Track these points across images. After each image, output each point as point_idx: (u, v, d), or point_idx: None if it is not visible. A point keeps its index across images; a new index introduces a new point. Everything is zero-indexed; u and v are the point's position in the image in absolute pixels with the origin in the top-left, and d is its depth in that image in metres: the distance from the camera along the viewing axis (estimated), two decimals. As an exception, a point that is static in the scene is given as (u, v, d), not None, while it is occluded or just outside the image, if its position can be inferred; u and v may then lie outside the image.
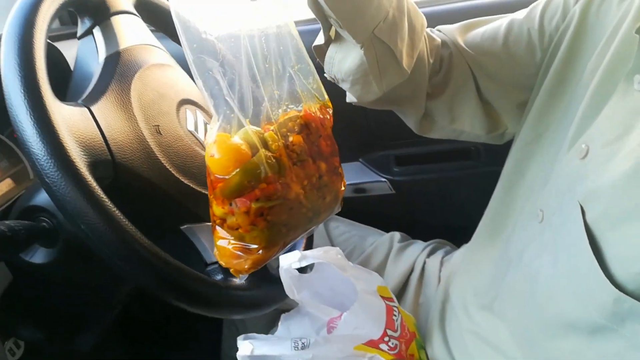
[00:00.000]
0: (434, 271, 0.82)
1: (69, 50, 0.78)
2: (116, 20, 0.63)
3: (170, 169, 0.57)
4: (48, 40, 0.76)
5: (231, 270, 0.47)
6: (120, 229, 0.46)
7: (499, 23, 0.65)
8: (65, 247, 0.59)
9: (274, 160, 0.44)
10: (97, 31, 0.62)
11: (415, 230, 0.95)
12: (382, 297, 0.59)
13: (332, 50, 0.62)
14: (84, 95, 0.56)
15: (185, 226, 0.58)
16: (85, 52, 0.64)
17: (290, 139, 0.47)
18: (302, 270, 0.61)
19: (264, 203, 0.43)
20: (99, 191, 0.46)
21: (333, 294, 0.62)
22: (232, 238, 0.46)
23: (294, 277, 0.57)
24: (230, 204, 0.44)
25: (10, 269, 0.62)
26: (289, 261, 0.56)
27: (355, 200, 1.08)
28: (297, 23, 0.58)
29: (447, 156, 1.02)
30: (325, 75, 0.65)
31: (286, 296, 0.60)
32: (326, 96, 0.54)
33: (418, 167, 1.05)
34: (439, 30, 0.71)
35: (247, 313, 0.58)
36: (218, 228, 0.47)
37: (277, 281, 0.63)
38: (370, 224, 0.97)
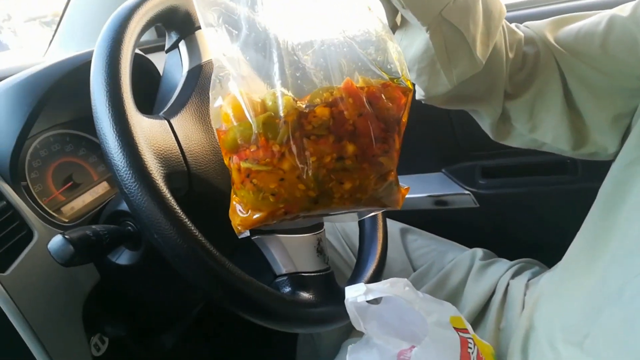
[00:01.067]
0: (518, 294, 0.76)
1: (163, 61, 0.83)
2: (200, 34, 0.66)
3: (244, 180, 0.58)
4: (141, 53, 0.82)
5: (232, 224, 0.46)
6: (190, 239, 0.47)
7: (597, 19, 0.58)
8: (147, 250, 0.62)
9: (274, 126, 0.41)
10: (182, 45, 0.65)
11: (500, 247, 0.89)
12: (455, 328, 0.56)
13: (397, 36, 0.58)
14: (166, 108, 0.58)
15: (256, 237, 0.58)
16: (172, 65, 0.66)
17: (316, 111, 0.42)
18: (370, 300, 0.59)
19: (251, 165, 0.42)
20: (172, 202, 0.48)
21: (403, 324, 0.59)
22: (233, 192, 0.46)
23: (361, 308, 0.55)
24: (230, 159, 0.44)
25: (98, 269, 0.66)
26: (353, 294, 0.54)
27: (436, 213, 1.04)
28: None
29: (539, 169, 0.95)
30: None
31: None
32: (402, 73, 0.46)
33: (506, 179, 0.99)
34: (527, 27, 0.64)
35: (313, 328, 0.58)
36: None
37: (344, 297, 0.62)
38: (451, 239, 0.93)
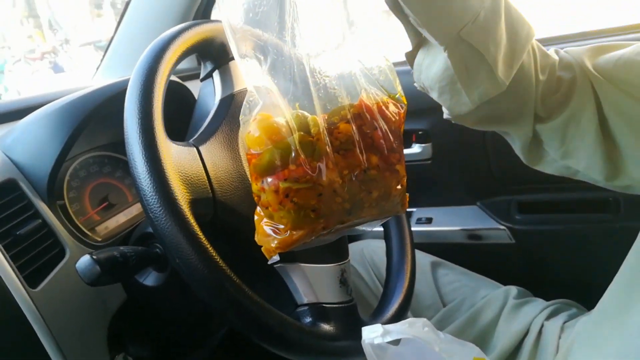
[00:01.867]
0: (552, 337, 0.72)
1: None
2: (234, 65, 0.67)
3: (269, 208, 0.58)
4: (178, 80, 0.85)
5: (262, 249, 0.47)
6: (210, 265, 0.48)
7: (638, 49, 0.56)
8: (174, 272, 0.63)
9: (309, 144, 0.44)
10: (216, 74, 0.67)
11: (535, 285, 0.86)
12: (479, 371, 0.53)
13: (420, 55, 0.59)
14: (196, 135, 0.59)
15: (279, 265, 0.58)
16: (205, 94, 0.68)
17: (340, 128, 0.46)
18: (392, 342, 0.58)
19: (291, 184, 0.43)
20: (195, 227, 0.48)
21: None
22: (265, 216, 0.46)
23: (379, 348, 0.54)
24: (262, 182, 0.45)
25: (125, 289, 0.68)
26: (370, 335, 0.52)
27: (469, 248, 1.01)
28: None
29: (580, 206, 0.91)
30: (414, 84, 0.62)
31: None
32: (398, 89, 0.51)
33: (544, 216, 0.95)
34: (566, 52, 0.62)
35: None
36: (257, 206, 0.48)
37: None
38: (484, 275, 0.90)
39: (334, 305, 0.59)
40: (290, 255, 0.60)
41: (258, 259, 0.60)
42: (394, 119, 0.49)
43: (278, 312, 0.50)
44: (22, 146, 0.68)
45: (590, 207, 0.91)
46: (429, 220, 1.08)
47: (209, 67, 0.67)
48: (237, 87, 0.66)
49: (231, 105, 0.64)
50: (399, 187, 0.49)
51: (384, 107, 0.48)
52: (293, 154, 0.43)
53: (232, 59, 0.67)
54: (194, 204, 0.51)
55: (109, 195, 0.79)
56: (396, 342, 0.55)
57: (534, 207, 0.96)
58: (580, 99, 0.58)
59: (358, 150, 0.46)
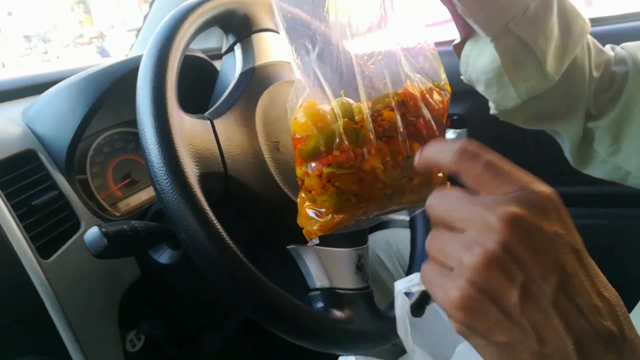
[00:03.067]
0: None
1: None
2: (257, 38, 0.65)
3: (283, 187, 0.56)
4: (205, 57, 0.83)
5: (304, 231, 0.47)
6: (216, 241, 0.46)
7: None
8: None
9: (353, 131, 0.45)
10: (237, 48, 0.65)
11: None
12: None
13: (468, 47, 0.58)
14: (212, 109, 0.57)
15: (292, 246, 0.56)
16: (227, 68, 0.66)
17: (384, 115, 0.47)
18: (417, 314, 0.55)
19: (335, 169, 0.44)
20: (202, 202, 0.47)
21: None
22: (307, 199, 0.47)
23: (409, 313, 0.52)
24: (307, 166, 0.45)
25: (139, 266, 0.67)
26: (406, 284, 0.51)
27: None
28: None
29: (625, 200, 0.85)
30: (461, 77, 0.61)
31: (394, 337, 0.55)
32: (443, 77, 0.51)
33: (586, 209, 0.89)
34: (622, 48, 0.60)
35: (345, 348, 0.54)
36: (301, 190, 0.48)
37: (383, 317, 0.58)
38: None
39: (348, 292, 0.57)
40: (303, 237, 0.58)
41: (269, 238, 0.59)
42: (437, 107, 0.49)
43: (284, 293, 0.48)
44: (44, 118, 0.68)
45: (637, 201, 0.84)
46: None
47: (231, 40, 0.65)
48: (259, 61, 0.63)
49: (251, 79, 0.61)
50: (440, 174, 0.49)
51: (427, 96, 0.49)
52: (337, 140, 0.44)
53: (255, 31, 0.65)
54: (203, 178, 0.49)
55: (132, 172, 0.79)
56: (420, 314, 0.54)
57: (575, 200, 0.89)
58: (632, 93, 0.56)
59: (401, 138, 0.46)
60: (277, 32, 0.68)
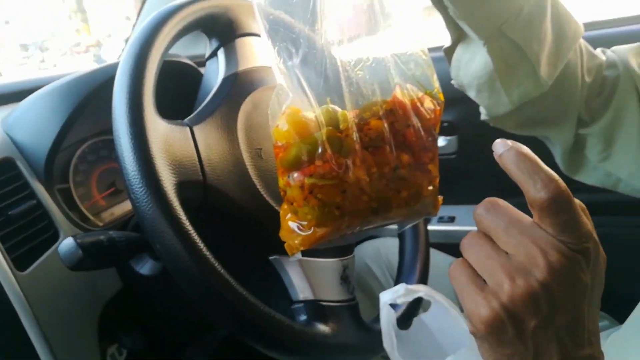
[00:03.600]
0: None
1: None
2: (241, 42, 0.64)
3: (265, 195, 0.55)
4: (191, 63, 0.82)
5: (285, 245, 0.45)
6: (193, 253, 0.45)
7: None
8: None
9: (337, 140, 0.43)
10: (220, 53, 0.63)
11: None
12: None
13: (459, 51, 0.57)
14: (192, 115, 0.56)
15: (274, 257, 0.54)
16: (210, 73, 0.65)
17: (371, 124, 0.45)
18: (403, 326, 0.53)
19: (317, 180, 0.42)
20: (179, 211, 0.45)
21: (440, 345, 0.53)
22: (289, 211, 0.45)
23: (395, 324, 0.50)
24: (289, 176, 0.44)
25: (121, 277, 0.65)
26: (391, 296, 0.49)
27: (494, 249, 0.94)
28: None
29: (616, 208, 0.83)
30: (452, 82, 0.60)
31: (379, 350, 0.53)
32: (436, 85, 0.49)
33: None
34: (613, 51, 0.59)
35: None
36: (284, 202, 0.47)
37: (368, 330, 0.56)
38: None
39: (332, 304, 0.55)
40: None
41: (251, 248, 0.57)
42: (428, 116, 0.47)
43: (265, 306, 0.47)
44: (23, 125, 0.67)
45: (629, 209, 0.83)
46: (451, 219, 1.01)
47: (214, 44, 0.64)
48: (242, 67, 0.62)
49: (234, 84, 0.60)
50: (430, 187, 0.47)
51: (418, 104, 0.47)
52: (320, 150, 0.42)
53: (239, 36, 0.63)
54: (180, 186, 0.48)
55: (116, 181, 0.77)
56: (406, 328, 0.52)
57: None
58: (623, 99, 0.56)
59: (388, 148, 0.44)
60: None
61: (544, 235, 0.31)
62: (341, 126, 0.43)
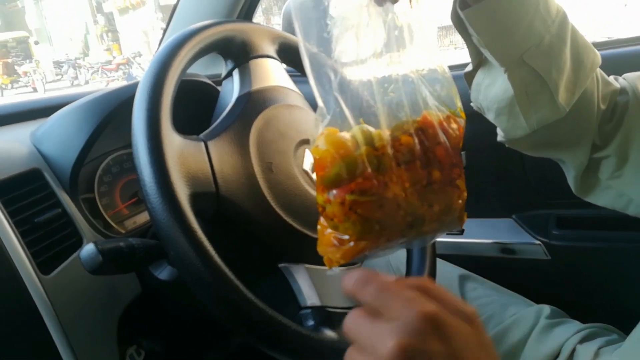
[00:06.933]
0: (585, 362, 0.67)
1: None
2: (254, 63, 0.67)
3: (275, 207, 0.58)
4: (209, 82, 0.86)
5: (325, 259, 0.47)
6: (206, 260, 0.47)
7: None
8: None
9: (375, 158, 0.45)
10: (235, 73, 0.67)
11: (571, 306, 0.80)
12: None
13: (480, 75, 0.59)
14: (207, 130, 0.60)
15: (283, 265, 0.57)
16: (226, 92, 0.69)
17: (402, 140, 0.47)
18: None
19: (357, 197, 0.44)
20: (192, 221, 0.48)
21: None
22: (329, 227, 0.47)
23: None
24: (328, 193, 0.45)
25: (140, 282, 0.68)
26: None
27: (501, 262, 0.95)
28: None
29: (622, 223, 0.84)
30: (471, 104, 0.62)
31: None
32: (458, 105, 0.51)
33: (583, 232, 0.89)
34: (624, 78, 0.61)
35: None
36: (321, 217, 0.48)
37: None
38: (515, 291, 0.85)
39: (339, 311, 0.57)
40: (294, 256, 0.59)
41: (261, 256, 0.60)
42: (454, 135, 0.50)
43: (271, 310, 0.49)
44: (50, 139, 0.71)
45: (634, 224, 0.83)
46: (460, 231, 1.04)
47: (230, 65, 0.68)
48: (255, 86, 0.65)
49: (247, 102, 0.63)
50: (460, 201, 0.50)
51: (445, 123, 0.49)
52: (360, 168, 0.44)
53: (253, 57, 0.67)
54: (194, 197, 0.51)
55: (138, 191, 0.81)
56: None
57: (574, 222, 0.90)
58: (632, 122, 0.57)
59: (420, 164, 0.47)
60: (274, 58, 0.71)
61: (378, 327, 0.34)
62: (377, 144, 0.45)
